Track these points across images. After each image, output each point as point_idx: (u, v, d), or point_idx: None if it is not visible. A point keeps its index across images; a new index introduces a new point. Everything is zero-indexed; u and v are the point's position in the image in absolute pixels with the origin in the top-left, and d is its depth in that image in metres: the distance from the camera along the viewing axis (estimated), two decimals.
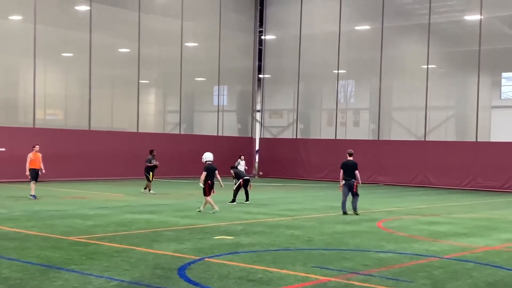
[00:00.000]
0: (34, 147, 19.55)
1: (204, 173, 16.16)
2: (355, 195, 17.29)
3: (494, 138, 31.88)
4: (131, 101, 33.17)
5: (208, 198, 16.27)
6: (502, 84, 34.67)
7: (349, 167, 17.27)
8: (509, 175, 30.28)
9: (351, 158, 17.56)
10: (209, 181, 16.23)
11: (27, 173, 19.29)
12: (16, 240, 11.14)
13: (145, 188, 22.76)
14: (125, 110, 33.90)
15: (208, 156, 16.60)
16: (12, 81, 29.85)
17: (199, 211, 16.41)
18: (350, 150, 17.92)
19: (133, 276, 8.31)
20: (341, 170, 17.36)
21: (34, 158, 19.50)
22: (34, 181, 19.40)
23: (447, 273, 9.29)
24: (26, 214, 15.30)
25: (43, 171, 19.85)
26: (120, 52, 34.27)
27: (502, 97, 34.85)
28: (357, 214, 16.99)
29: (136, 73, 33.03)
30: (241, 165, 25.80)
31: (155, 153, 23.19)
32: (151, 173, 22.66)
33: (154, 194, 22.20)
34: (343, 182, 17.29)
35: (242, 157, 26.10)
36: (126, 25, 32.81)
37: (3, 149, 27.02)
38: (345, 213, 17.15)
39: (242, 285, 8.11)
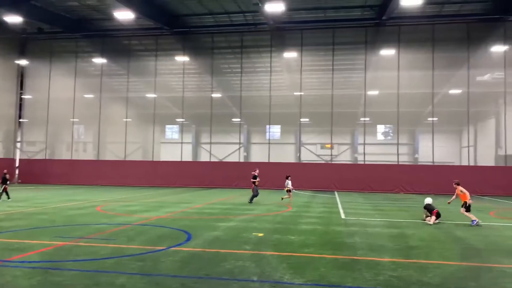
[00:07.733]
0: None
1: None
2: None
3: (163, 159, 45.18)
4: None
5: None
6: (166, 130, 51.04)
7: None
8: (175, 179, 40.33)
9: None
10: None
11: None
12: None
13: None
14: None
15: None
16: None
17: None
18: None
19: None
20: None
21: None
22: None
23: (136, 232, 12.79)
24: None
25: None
26: None
27: (166, 137, 51.61)
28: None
29: None
30: (290, 184, 24.66)
31: None
32: None
33: None
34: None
35: (289, 177, 24.85)
36: None
37: None
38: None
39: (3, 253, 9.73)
